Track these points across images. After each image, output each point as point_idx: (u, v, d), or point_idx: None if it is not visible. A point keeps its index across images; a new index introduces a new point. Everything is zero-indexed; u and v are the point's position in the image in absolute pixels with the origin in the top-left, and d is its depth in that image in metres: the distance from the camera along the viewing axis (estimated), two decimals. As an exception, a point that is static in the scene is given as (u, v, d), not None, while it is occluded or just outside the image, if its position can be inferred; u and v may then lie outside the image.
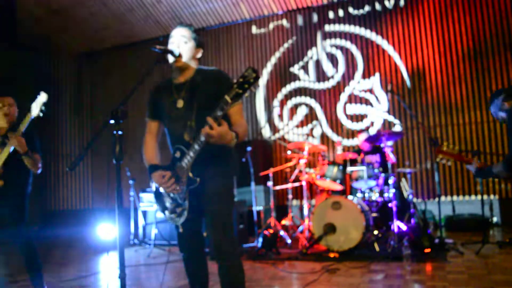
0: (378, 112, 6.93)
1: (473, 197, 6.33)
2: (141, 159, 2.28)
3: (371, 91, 7.05)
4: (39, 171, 3.30)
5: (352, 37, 7.25)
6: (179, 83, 2.19)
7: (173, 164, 2.14)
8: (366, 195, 4.97)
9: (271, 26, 7.82)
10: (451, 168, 6.49)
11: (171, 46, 2.14)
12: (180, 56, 2.12)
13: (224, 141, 1.91)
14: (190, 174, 2.06)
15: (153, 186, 2.25)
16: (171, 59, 2.11)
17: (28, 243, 3.23)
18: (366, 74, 7.10)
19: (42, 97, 3.14)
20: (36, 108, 3.09)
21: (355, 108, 7.13)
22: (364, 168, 4.84)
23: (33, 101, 3.07)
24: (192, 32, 2.20)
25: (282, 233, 5.16)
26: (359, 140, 5.83)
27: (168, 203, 2.19)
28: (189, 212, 2.11)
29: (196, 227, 2.26)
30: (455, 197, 6.43)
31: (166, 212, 2.20)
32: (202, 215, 2.21)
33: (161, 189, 2.19)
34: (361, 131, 6.41)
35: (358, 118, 7.09)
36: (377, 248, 4.34)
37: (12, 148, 3.03)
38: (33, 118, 3.11)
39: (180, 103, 2.15)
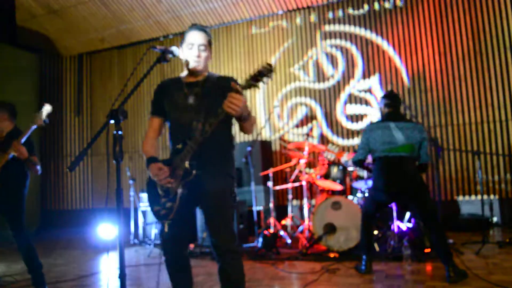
0: (378, 112, 6.92)
1: (473, 197, 6.33)
2: (141, 159, 2.28)
3: (371, 91, 7.05)
4: (39, 172, 3.30)
5: (352, 37, 7.24)
6: (191, 81, 2.22)
7: (173, 156, 2.11)
8: (366, 195, 4.96)
9: (271, 26, 7.82)
10: (451, 168, 6.48)
11: (189, 54, 2.16)
12: (187, 62, 2.17)
13: (247, 112, 1.97)
14: (187, 164, 2.02)
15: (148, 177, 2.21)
16: (180, 57, 2.13)
17: (27, 245, 3.24)
18: (366, 74, 7.10)
19: (47, 108, 3.14)
20: (39, 118, 3.09)
21: (354, 108, 7.13)
22: (364, 168, 4.84)
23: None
24: (208, 36, 2.21)
25: (282, 233, 5.16)
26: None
27: (160, 197, 2.11)
28: (178, 208, 2.04)
29: (182, 231, 2.19)
30: (455, 197, 6.43)
31: (156, 207, 2.11)
32: (189, 218, 2.21)
33: (157, 182, 2.11)
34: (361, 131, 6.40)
35: (358, 118, 7.09)
36: (377, 248, 4.34)
37: (11, 155, 3.05)
38: (35, 128, 3.11)
39: (191, 99, 2.17)
